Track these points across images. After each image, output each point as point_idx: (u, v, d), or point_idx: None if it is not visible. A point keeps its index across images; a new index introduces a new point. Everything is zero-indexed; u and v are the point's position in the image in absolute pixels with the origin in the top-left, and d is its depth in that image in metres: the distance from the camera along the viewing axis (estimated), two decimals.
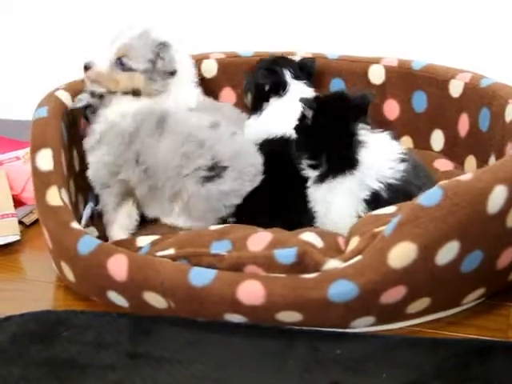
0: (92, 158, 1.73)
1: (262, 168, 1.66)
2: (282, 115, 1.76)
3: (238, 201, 1.64)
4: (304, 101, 1.60)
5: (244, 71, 2.02)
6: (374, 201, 1.51)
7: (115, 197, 1.72)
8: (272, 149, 1.72)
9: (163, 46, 1.77)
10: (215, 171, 1.62)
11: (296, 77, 1.87)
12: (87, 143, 1.75)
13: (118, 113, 1.73)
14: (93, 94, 1.76)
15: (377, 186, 1.51)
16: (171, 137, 1.65)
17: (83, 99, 1.76)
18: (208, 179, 1.62)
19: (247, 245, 1.43)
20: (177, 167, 1.63)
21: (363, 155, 1.53)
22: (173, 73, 1.77)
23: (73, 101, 1.76)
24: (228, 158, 1.63)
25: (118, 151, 1.69)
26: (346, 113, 1.57)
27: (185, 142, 1.63)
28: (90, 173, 1.74)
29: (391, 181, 1.50)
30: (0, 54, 2.54)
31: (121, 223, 1.73)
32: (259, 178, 1.66)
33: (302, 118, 1.61)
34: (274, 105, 1.83)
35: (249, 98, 1.92)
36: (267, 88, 1.83)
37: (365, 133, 1.56)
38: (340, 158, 1.55)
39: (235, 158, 1.63)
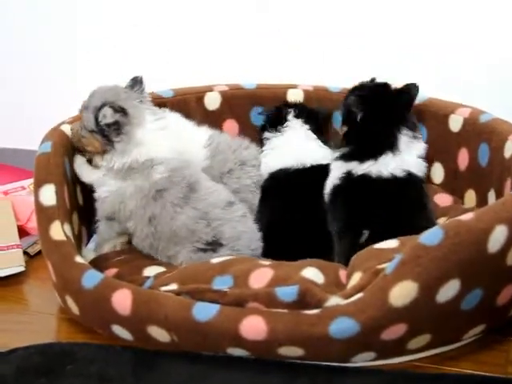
0: (106, 188, 1.71)
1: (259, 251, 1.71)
2: None
3: None
4: (351, 100, 1.72)
5: (247, 103, 2.07)
6: None
7: (113, 231, 1.74)
8: None
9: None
10: (212, 246, 1.65)
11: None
12: (105, 163, 1.71)
13: (149, 155, 1.69)
14: (115, 110, 1.67)
15: None
16: (191, 211, 1.66)
17: (108, 116, 1.66)
18: (203, 250, 1.65)
19: (249, 281, 1.45)
20: (181, 238, 1.66)
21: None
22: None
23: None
24: (228, 238, 1.66)
25: (137, 200, 1.68)
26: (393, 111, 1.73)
27: (199, 220, 1.66)
28: (98, 202, 1.74)
29: None
30: (12, 82, 2.55)
31: (102, 250, 1.76)
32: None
33: (349, 113, 1.73)
34: None
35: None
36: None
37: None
38: None
39: (235, 239, 1.66)
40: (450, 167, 1.91)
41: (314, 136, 1.90)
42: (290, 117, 1.91)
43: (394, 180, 1.67)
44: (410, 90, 1.78)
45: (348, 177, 1.70)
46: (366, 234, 1.60)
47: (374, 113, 1.73)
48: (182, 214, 1.66)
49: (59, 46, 2.47)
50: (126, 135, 1.67)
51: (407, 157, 1.70)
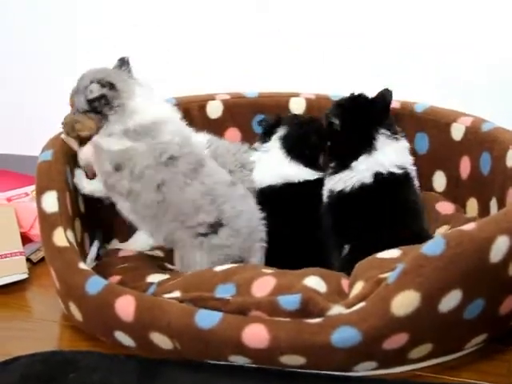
0: (114, 144, 1.69)
1: (260, 227, 1.73)
2: None
3: (229, 254, 1.68)
4: (330, 111, 1.77)
5: (249, 112, 2.08)
6: None
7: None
8: None
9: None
10: (213, 228, 1.67)
11: None
12: (107, 130, 1.69)
13: (149, 118, 1.70)
14: (102, 85, 1.68)
15: None
16: (199, 185, 1.68)
17: (94, 91, 1.67)
18: (203, 235, 1.67)
19: (252, 290, 1.45)
20: (185, 215, 1.67)
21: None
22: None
23: (79, 144, 1.77)
24: (228, 217, 1.68)
25: (149, 160, 1.68)
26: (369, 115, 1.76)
27: (205, 195, 1.67)
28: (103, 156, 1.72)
29: None
30: (13, 89, 2.56)
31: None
32: (258, 236, 1.72)
33: (330, 125, 1.76)
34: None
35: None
36: None
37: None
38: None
39: (235, 218, 1.68)
40: (452, 175, 1.91)
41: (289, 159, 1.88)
42: (275, 136, 1.90)
43: (373, 186, 1.70)
44: (385, 97, 1.80)
45: (331, 193, 1.75)
46: (346, 248, 1.65)
47: (351, 120, 1.76)
48: (191, 187, 1.67)
49: (59, 45, 2.48)
50: (119, 107, 1.68)
51: (386, 156, 1.72)
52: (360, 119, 1.76)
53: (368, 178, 1.70)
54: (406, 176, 1.74)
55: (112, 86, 1.69)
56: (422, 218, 1.72)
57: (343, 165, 1.73)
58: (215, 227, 1.67)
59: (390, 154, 1.73)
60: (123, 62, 1.78)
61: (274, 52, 2.26)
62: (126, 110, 1.68)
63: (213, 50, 2.32)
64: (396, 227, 1.63)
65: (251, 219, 1.72)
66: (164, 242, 1.74)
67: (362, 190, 1.70)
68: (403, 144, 1.79)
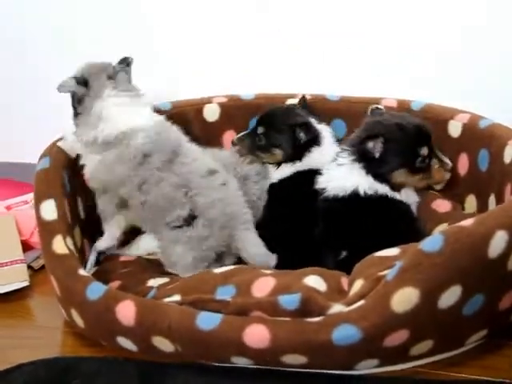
0: (93, 158, 1.73)
1: (241, 213, 1.73)
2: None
3: (209, 245, 1.68)
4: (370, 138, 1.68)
5: (246, 114, 2.07)
6: None
7: (111, 203, 1.76)
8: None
9: None
10: (186, 222, 1.67)
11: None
12: (84, 137, 1.73)
13: (129, 125, 1.71)
14: (78, 82, 1.71)
15: None
16: (175, 177, 1.69)
17: (66, 86, 1.70)
18: (179, 227, 1.68)
19: (251, 290, 1.46)
20: (163, 211, 1.68)
21: None
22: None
23: None
24: (201, 208, 1.67)
25: (124, 164, 1.70)
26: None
27: (179, 188, 1.68)
28: (88, 174, 1.76)
29: None
30: (10, 98, 2.57)
31: (111, 232, 1.80)
32: (238, 222, 1.71)
33: (365, 156, 1.69)
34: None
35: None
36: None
37: None
38: None
39: (208, 208, 1.67)
40: (451, 173, 1.90)
41: None
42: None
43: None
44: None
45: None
46: (343, 254, 1.65)
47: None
48: (166, 181, 1.68)
49: (55, 48, 2.48)
50: (85, 106, 1.71)
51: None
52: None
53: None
54: None
55: (85, 84, 1.70)
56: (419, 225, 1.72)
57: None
58: (189, 220, 1.67)
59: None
60: (124, 61, 1.79)
61: (273, 52, 2.24)
62: (92, 112, 1.70)
63: (213, 50, 2.31)
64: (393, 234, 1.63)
65: (227, 207, 1.70)
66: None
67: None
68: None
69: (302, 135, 1.85)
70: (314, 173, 1.81)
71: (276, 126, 1.89)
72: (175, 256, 1.70)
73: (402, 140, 1.64)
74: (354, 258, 1.54)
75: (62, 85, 1.69)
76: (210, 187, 1.70)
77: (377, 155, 1.65)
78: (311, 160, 1.87)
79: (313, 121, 1.91)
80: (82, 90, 1.71)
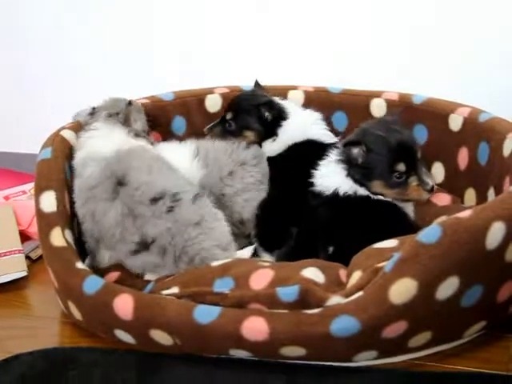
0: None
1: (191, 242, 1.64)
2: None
3: (165, 272, 1.63)
4: (349, 143, 1.66)
5: None
6: None
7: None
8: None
9: None
10: (141, 246, 1.62)
11: None
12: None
13: (80, 156, 1.75)
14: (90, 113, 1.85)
15: None
16: (120, 206, 1.64)
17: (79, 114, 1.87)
18: (135, 252, 1.63)
19: (250, 283, 1.45)
20: (115, 238, 1.64)
21: None
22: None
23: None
24: (154, 235, 1.62)
25: (79, 198, 1.70)
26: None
27: (127, 216, 1.63)
28: None
29: None
30: (10, 88, 2.57)
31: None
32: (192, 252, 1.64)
33: (348, 159, 1.67)
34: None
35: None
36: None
37: None
38: None
39: (161, 235, 1.61)
40: (451, 166, 1.91)
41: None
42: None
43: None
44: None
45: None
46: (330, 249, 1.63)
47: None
48: (112, 210, 1.64)
49: (51, 42, 2.50)
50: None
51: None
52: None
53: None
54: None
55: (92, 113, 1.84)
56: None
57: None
58: (143, 245, 1.62)
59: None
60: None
61: (273, 51, 2.26)
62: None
63: (212, 50, 2.32)
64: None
65: (175, 237, 1.63)
66: None
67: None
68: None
69: (267, 114, 1.90)
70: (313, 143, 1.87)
71: (242, 109, 1.94)
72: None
73: (381, 153, 1.62)
74: (340, 254, 1.56)
75: (79, 113, 1.86)
76: (156, 216, 1.63)
77: (359, 161, 1.64)
78: (288, 133, 1.90)
79: (275, 98, 1.96)
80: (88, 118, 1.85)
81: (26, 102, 2.56)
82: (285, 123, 1.91)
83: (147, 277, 1.65)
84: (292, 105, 1.97)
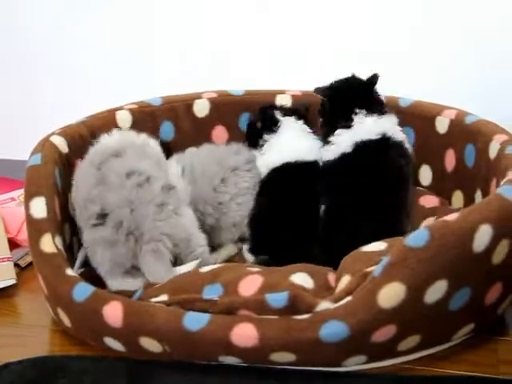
0: None
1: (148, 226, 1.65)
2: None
3: (116, 253, 1.63)
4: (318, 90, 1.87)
5: (236, 109, 2.08)
6: None
7: None
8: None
9: None
10: (100, 218, 1.64)
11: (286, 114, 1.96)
12: None
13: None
14: None
15: None
16: (100, 174, 1.69)
17: None
18: (95, 226, 1.65)
19: (238, 289, 1.45)
20: (82, 208, 1.68)
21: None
22: None
23: (68, 146, 1.80)
24: (114, 203, 1.64)
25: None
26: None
27: (97, 185, 1.67)
28: None
29: None
30: (10, 88, 2.56)
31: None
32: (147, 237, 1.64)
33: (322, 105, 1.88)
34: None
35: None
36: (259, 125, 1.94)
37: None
38: None
39: (118, 207, 1.63)
40: (438, 169, 1.92)
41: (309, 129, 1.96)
42: (280, 116, 1.95)
43: (351, 154, 1.76)
44: (372, 79, 1.85)
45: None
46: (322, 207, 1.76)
47: (338, 98, 1.85)
48: (91, 177, 1.71)
49: (47, 47, 2.49)
50: None
51: (363, 128, 1.78)
52: (344, 98, 1.84)
53: (348, 148, 1.76)
54: (384, 140, 1.77)
55: None
56: (401, 187, 1.76)
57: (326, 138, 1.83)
58: (102, 217, 1.64)
59: (367, 126, 1.78)
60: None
61: (273, 52, 2.26)
62: None
63: (212, 50, 2.32)
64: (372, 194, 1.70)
65: (134, 212, 1.64)
66: None
67: (342, 159, 1.76)
68: (386, 118, 1.83)
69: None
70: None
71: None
72: (98, 256, 1.66)
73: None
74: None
75: None
76: (123, 186, 1.66)
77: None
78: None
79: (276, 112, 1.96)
80: None
81: (26, 102, 2.55)
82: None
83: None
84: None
